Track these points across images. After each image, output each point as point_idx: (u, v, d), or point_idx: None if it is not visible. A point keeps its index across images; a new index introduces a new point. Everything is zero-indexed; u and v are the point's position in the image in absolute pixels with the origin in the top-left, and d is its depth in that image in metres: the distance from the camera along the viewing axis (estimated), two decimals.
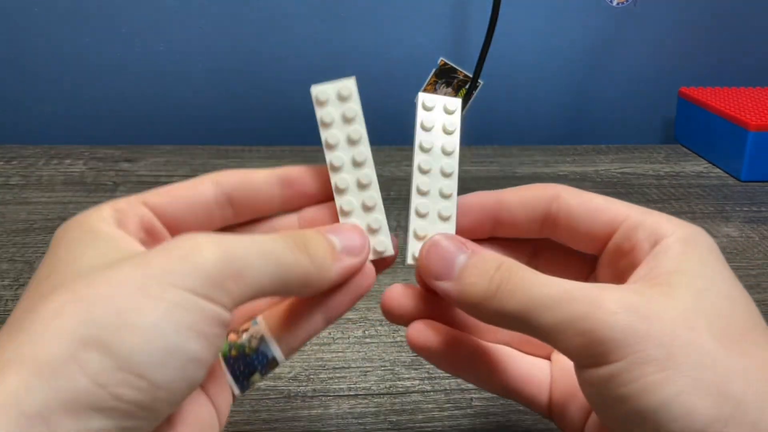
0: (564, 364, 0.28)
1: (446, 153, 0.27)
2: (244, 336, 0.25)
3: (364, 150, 0.26)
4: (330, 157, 0.26)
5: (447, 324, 0.27)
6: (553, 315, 0.21)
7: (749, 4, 0.81)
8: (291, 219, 0.27)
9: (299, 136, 0.77)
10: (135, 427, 0.18)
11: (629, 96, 0.84)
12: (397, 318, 0.26)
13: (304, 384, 0.37)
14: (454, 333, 0.27)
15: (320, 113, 0.26)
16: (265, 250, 0.21)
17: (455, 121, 0.27)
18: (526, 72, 0.81)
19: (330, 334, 0.41)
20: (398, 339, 0.40)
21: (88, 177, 0.64)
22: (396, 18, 0.77)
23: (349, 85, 0.26)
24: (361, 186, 0.26)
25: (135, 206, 0.23)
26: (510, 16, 0.64)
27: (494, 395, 0.33)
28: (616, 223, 0.25)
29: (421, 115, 0.27)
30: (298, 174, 0.26)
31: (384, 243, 0.26)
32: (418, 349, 0.26)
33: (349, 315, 0.42)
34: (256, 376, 0.25)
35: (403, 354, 0.39)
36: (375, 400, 0.36)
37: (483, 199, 0.27)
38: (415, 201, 0.26)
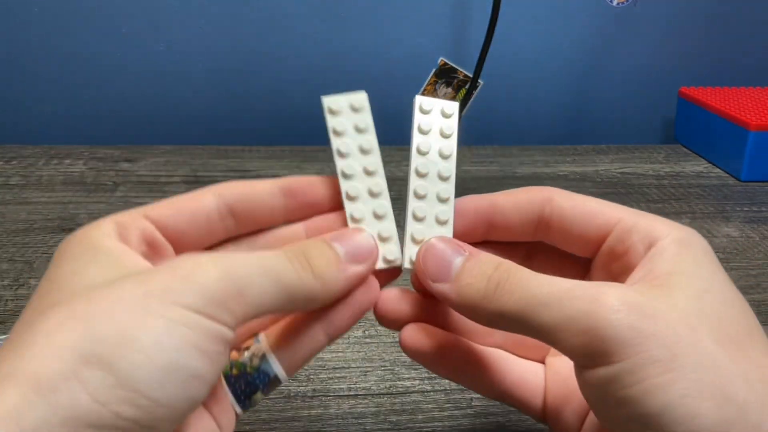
0: (558, 368, 0.28)
1: (443, 156, 0.26)
2: (246, 354, 0.25)
3: (376, 160, 0.26)
4: (341, 165, 0.26)
5: (440, 327, 0.27)
6: (553, 313, 0.21)
7: (749, 4, 0.81)
8: (297, 228, 0.27)
9: (299, 136, 0.77)
10: None
11: (629, 96, 0.84)
12: (391, 323, 0.26)
13: (304, 384, 0.37)
14: (447, 336, 0.27)
15: (332, 122, 0.26)
16: (266, 269, 0.21)
17: (452, 125, 0.27)
18: (526, 72, 0.81)
19: None
20: (398, 339, 0.40)
21: (88, 177, 0.64)
22: (396, 18, 0.77)
23: (361, 98, 0.26)
24: (372, 194, 0.26)
25: (136, 219, 0.23)
26: (510, 16, 0.64)
27: None
28: (610, 225, 0.25)
29: (418, 119, 0.26)
30: (301, 184, 0.26)
31: (394, 252, 0.26)
32: (412, 353, 0.26)
33: None
34: (258, 394, 0.24)
35: (403, 354, 0.39)
36: (375, 400, 0.36)
37: (477, 202, 0.26)
38: (412, 205, 0.26)
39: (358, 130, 0.26)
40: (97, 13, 0.73)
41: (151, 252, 0.23)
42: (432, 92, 0.55)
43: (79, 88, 0.76)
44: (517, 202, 0.26)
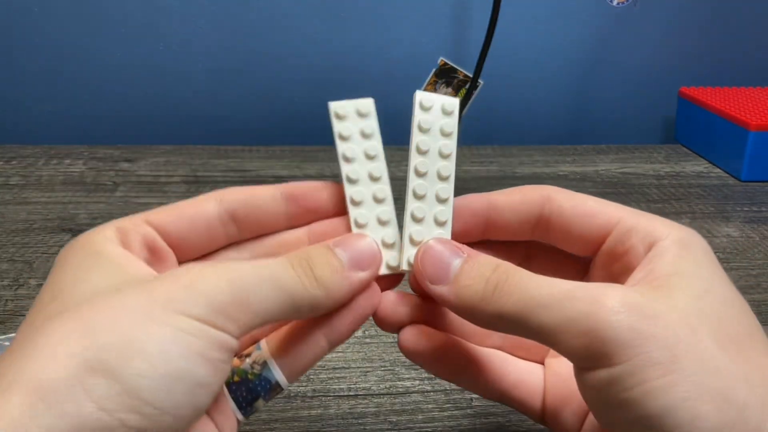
0: (558, 369, 0.28)
1: (443, 156, 0.26)
2: (247, 361, 0.25)
3: (381, 166, 0.26)
4: (347, 170, 0.26)
5: (439, 329, 0.27)
6: (552, 314, 0.21)
7: (749, 4, 0.81)
8: (300, 233, 0.26)
9: (299, 136, 0.77)
10: None
11: (629, 96, 0.84)
12: (390, 326, 0.26)
13: (304, 384, 0.37)
14: (446, 338, 0.27)
15: (339, 127, 0.26)
16: (270, 278, 0.21)
17: (453, 123, 0.26)
18: (526, 72, 0.81)
19: None
20: (397, 341, 0.40)
21: (87, 177, 0.64)
22: (396, 18, 0.77)
23: (368, 103, 0.26)
24: (377, 200, 0.26)
25: (138, 225, 0.23)
26: (510, 16, 0.64)
27: None
28: (610, 225, 0.25)
29: (418, 116, 0.26)
30: (303, 190, 0.26)
31: (398, 258, 0.26)
32: (410, 355, 0.26)
33: None
34: (260, 401, 0.24)
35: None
36: (375, 400, 0.36)
37: (474, 202, 0.26)
38: (411, 205, 0.26)
39: (364, 135, 0.26)
40: (96, 13, 0.73)
41: (153, 258, 0.23)
42: (432, 92, 0.55)
43: (79, 88, 0.76)
44: (514, 202, 0.26)
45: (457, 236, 0.26)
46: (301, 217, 0.26)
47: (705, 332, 0.20)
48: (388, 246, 0.26)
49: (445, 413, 0.35)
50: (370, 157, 0.26)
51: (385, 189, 0.26)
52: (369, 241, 0.25)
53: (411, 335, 0.26)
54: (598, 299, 0.20)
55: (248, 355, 0.25)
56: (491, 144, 0.77)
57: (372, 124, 0.26)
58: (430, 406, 0.35)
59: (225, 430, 0.24)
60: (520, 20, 0.78)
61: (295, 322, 0.25)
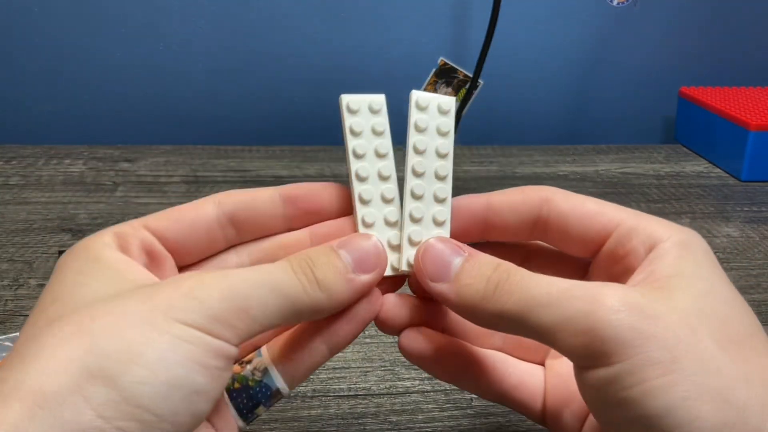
0: (558, 370, 0.28)
1: (440, 155, 0.26)
2: (248, 368, 0.25)
3: (391, 165, 0.26)
4: (356, 166, 0.25)
5: (439, 330, 0.27)
6: (552, 313, 0.21)
7: (749, 4, 0.81)
8: (302, 235, 0.26)
9: (299, 136, 0.77)
10: None
11: (629, 96, 0.84)
12: (390, 329, 0.26)
13: (304, 384, 0.37)
14: (446, 339, 0.27)
15: (350, 121, 0.25)
16: (271, 285, 0.21)
17: (450, 122, 0.26)
18: (526, 72, 0.81)
19: None
20: (398, 343, 0.40)
21: (87, 177, 0.64)
22: (396, 18, 0.77)
23: (380, 100, 0.26)
24: (385, 200, 0.26)
25: (136, 230, 0.23)
26: (510, 16, 0.64)
27: None
28: (610, 227, 0.24)
29: (414, 116, 0.26)
30: (302, 192, 0.26)
31: (402, 261, 0.25)
32: (411, 357, 0.26)
33: None
34: (260, 408, 0.24)
35: None
36: (375, 400, 0.36)
37: (472, 203, 0.26)
38: (409, 205, 0.26)
39: (375, 132, 0.26)
40: (96, 13, 0.73)
41: (152, 263, 0.23)
42: (432, 92, 0.55)
43: (79, 88, 0.76)
44: (513, 203, 0.26)
45: (455, 236, 0.26)
46: (300, 219, 0.26)
47: (705, 333, 0.20)
48: (394, 248, 0.26)
49: (445, 413, 0.35)
50: (380, 156, 0.26)
51: (393, 189, 0.26)
52: (374, 241, 0.24)
53: (412, 337, 0.26)
54: (597, 298, 0.20)
55: (249, 362, 0.25)
56: (491, 144, 0.77)
57: (384, 122, 0.26)
58: (430, 406, 0.35)
59: None
60: (520, 20, 0.78)
61: (295, 329, 0.25)
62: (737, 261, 0.51)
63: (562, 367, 0.28)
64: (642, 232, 0.24)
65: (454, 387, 0.37)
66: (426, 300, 0.26)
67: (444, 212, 0.26)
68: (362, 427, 0.34)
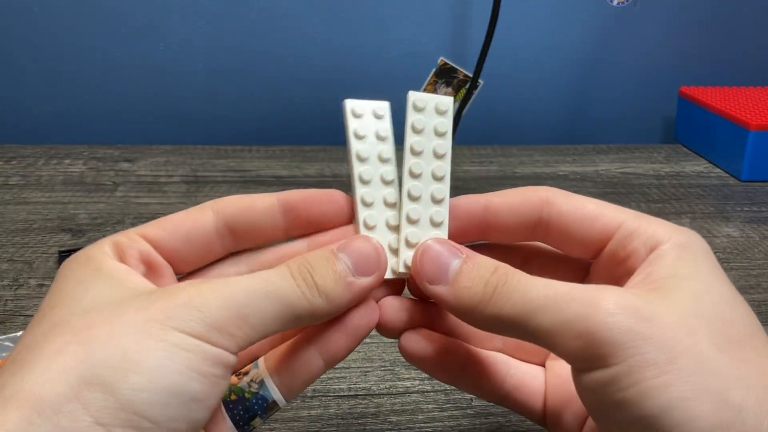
0: (559, 371, 0.28)
1: (438, 156, 0.26)
2: (244, 379, 0.25)
3: (393, 170, 0.26)
4: (360, 169, 0.26)
5: (439, 332, 0.27)
6: (550, 317, 0.21)
7: (749, 4, 0.81)
8: (300, 246, 0.26)
9: (299, 136, 0.77)
10: None
11: (629, 96, 0.84)
12: (390, 332, 0.26)
13: None
14: (447, 341, 0.27)
15: (355, 125, 0.26)
16: (269, 292, 0.21)
17: (447, 123, 0.26)
18: (526, 72, 0.81)
19: None
20: (398, 345, 0.40)
21: (87, 177, 0.64)
22: (396, 18, 0.77)
23: (385, 106, 0.26)
24: (387, 204, 0.26)
25: (134, 240, 0.23)
26: (510, 16, 0.64)
27: None
28: (611, 229, 0.24)
29: (411, 117, 0.26)
30: (301, 201, 0.25)
31: (400, 262, 0.25)
32: (412, 359, 0.26)
33: None
34: (257, 420, 0.24)
35: None
36: (375, 400, 0.36)
37: (471, 204, 0.26)
38: (407, 207, 0.25)
39: (379, 137, 0.26)
40: (96, 13, 0.73)
41: (150, 272, 0.23)
42: (432, 92, 0.55)
43: (79, 88, 0.76)
44: (512, 205, 0.26)
45: (453, 237, 0.26)
46: (299, 228, 0.26)
47: (703, 333, 0.20)
48: (395, 251, 0.25)
49: (445, 413, 0.35)
50: (383, 160, 0.26)
51: (394, 194, 0.26)
52: (374, 244, 0.24)
53: (412, 340, 0.26)
54: (594, 301, 0.20)
55: (246, 374, 0.25)
56: (491, 144, 0.77)
57: (387, 127, 0.26)
58: (430, 406, 0.35)
59: None
60: (520, 20, 0.78)
61: (293, 341, 0.25)
62: (737, 261, 0.51)
63: (563, 368, 0.28)
64: (643, 233, 0.24)
65: (454, 387, 0.37)
66: (425, 302, 0.26)
67: (441, 213, 0.26)
68: (362, 427, 0.34)
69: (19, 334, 0.39)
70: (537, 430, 0.34)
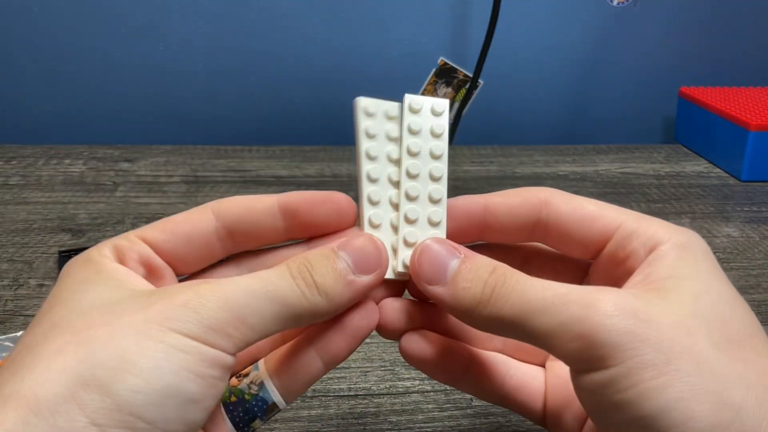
0: (559, 371, 0.28)
1: (435, 156, 0.26)
2: (244, 381, 0.25)
3: (399, 171, 0.26)
4: (368, 167, 0.26)
5: (440, 333, 0.27)
6: (548, 319, 0.21)
7: (749, 4, 0.81)
8: (302, 247, 0.26)
9: (299, 136, 0.77)
10: None
11: (629, 96, 0.84)
12: (390, 334, 0.26)
13: None
14: (447, 342, 0.27)
15: (366, 124, 0.26)
16: (266, 291, 0.21)
17: (443, 124, 0.26)
18: (526, 72, 0.81)
19: None
20: (398, 346, 0.40)
21: (87, 177, 0.64)
22: (395, 18, 0.77)
23: (395, 107, 0.26)
24: (392, 204, 0.26)
25: (134, 243, 0.23)
26: (510, 16, 0.64)
27: None
28: (610, 230, 0.24)
29: (408, 119, 0.26)
30: (301, 204, 0.25)
31: (398, 262, 0.25)
32: (412, 360, 0.26)
33: None
34: (257, 422, 0.24)
35: None
36: (375, 400, 0.36)
37: (469, 205, 0.26)
38: (404, 207, 0.25)
39: (389, 138, 0.26)
40: (96, 13, 0.73)
41: (150, 274, 0.23)
42: (432, 92, 0.55)
43: (79, 88, 0.76)
44: (511, 205, 0.26)
45: (452, 237, 0.26)
46: (299, 231, 0.26)
47: (702, 334, 0.20)
48: (397, 251, 0.25)
49: (445, 413, 0.35)
50: (391, 161, 0.26)
51: (399, 195, 0.26)
52: (375, 241, 0.24)
53: (412, 341, 0.26)
54: (592, 303, 0.20)
55: (246, 375, 0.25)
56: (491, 144, 0.77)
57: (396, 129, 0.26)
58: (430, 406, 0.35)
59: None
60: (520, 20, 0.78)
61: (292, 343, 0.25)
62: (737, 261, 0.51)
63: (563, 368, 0.28)
64: (643, 234, 0.23)
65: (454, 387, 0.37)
66: (425, 303, 0.26)
67: (439, 213, 0.26)
68: (362, 427, 0.34)
69: (19, 334, 0.39)
70: (537, 430, 0.34)
